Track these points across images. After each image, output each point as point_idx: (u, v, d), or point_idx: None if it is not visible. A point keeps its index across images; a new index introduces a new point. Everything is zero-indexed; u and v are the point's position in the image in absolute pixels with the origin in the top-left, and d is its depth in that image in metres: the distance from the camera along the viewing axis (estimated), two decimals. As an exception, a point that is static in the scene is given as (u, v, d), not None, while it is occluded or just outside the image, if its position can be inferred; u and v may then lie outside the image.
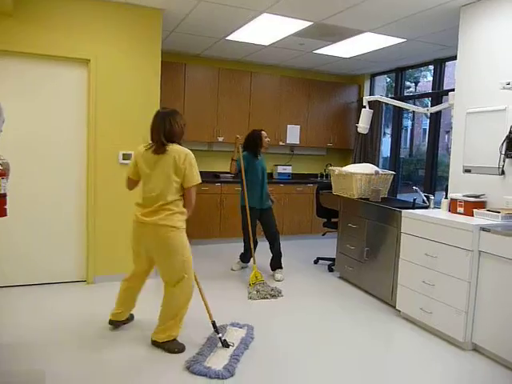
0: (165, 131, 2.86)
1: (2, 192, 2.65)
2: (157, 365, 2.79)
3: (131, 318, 3.38)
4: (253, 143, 4.69)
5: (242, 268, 5.00)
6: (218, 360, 2.80)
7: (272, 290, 4.21)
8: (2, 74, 3.89)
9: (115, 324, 3.25)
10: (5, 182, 2.68)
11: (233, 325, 3.37)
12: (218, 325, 3.08)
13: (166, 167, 2.84)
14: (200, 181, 2.92)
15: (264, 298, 4.06)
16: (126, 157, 4.26)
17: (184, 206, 2.94)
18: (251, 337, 3.19)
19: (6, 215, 2.69)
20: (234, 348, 2.97)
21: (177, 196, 2.88)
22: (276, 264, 4.77)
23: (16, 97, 3.92)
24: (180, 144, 2.93)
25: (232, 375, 2.64)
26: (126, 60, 4.25)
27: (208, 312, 3.10)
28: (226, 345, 2.96)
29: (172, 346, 2.93)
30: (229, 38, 5.22)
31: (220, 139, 6.32)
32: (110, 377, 2.63)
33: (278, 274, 4.69)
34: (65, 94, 4.13)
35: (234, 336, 3.15)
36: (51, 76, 4.07)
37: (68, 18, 3.99)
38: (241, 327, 3.34)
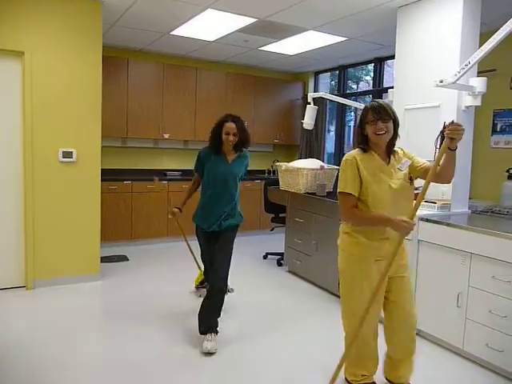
0: None
1: None
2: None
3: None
4: (215, 133, 3.16)
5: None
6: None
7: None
8: None
9: None
10: None
11: None
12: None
13: None
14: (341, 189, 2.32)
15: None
16: (67, 155, 4.09)
17: None
18: None
19: None
20: None
21: None
22: (210, 322, 3.02)
23: None
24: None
25: None
26: (64, 53, 4.06)
27: None
28: None
29: None
30: (173, 32, 5.13)
31: (166, 136, 6.21)
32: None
33: (209, 342, 2.90)
34: (-3, 88, 3.89)
35: None
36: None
37: (-1, 8, 3.76)
38: None
